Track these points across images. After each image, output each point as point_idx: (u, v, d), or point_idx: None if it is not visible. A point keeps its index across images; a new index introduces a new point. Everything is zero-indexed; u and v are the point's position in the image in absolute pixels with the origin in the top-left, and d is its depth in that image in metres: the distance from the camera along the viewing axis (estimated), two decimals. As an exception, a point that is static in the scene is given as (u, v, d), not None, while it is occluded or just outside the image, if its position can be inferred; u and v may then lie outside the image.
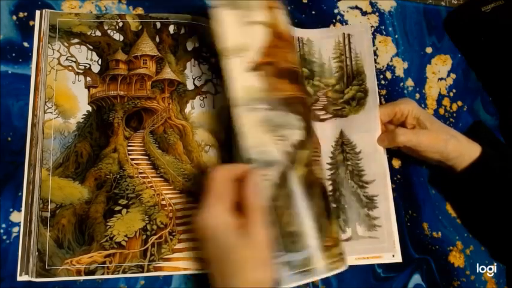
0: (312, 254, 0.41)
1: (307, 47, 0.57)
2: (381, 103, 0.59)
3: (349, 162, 0.54)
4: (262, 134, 0.41)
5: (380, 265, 0.54)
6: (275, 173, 0.41)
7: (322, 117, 0.55)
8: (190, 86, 0.53)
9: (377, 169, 0.54)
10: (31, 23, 0.51)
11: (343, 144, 0.54)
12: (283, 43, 0.44)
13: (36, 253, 0.44)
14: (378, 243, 0.52)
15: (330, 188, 0.53)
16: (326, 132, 0.55)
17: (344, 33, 0.57)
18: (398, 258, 0.53)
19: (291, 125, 0.42)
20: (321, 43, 0.57)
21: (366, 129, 0.54)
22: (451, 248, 0.57)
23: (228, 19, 0.42)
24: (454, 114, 0.62)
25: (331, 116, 0.55)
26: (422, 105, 0.61)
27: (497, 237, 0.55)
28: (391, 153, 0.57)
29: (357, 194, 0.53)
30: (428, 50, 0.64)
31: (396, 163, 0.58)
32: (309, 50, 0.57)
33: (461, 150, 0.51)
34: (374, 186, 0.54)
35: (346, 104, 0.55)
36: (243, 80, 0.42)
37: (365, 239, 0.52)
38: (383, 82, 0.61)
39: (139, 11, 0.55)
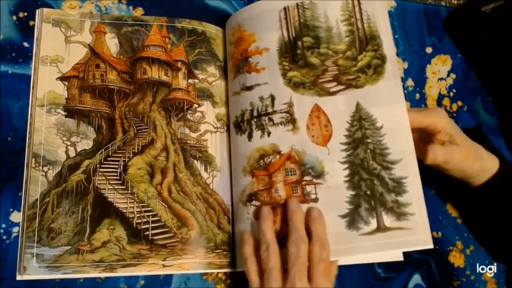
0: (64, 253, 0.45)
1: (310, 11, 0.51)
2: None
3: (369, 140, 0.46)
4: (54, 135, 0.48)
5: (380, 265, 0.54)
6: (52, 171, 0.47)
7: (332, 89, 0.48)
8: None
9: (403, 146, 0.46)
10: (31, 23, 0.51)
11: (361, 119, 0.47)
12: (102, 63, 0.51)
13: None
14: (412, 235, 0.44)
15: (346, 172, 0.46)
16: (338, 107, 0.48)
17: None
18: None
19: (83, 135, 0.48)
20: (326, 4, 0.51)
21: (387, 101, 0.47)
22: (451, 248, 0.57)
23: (54, 33, 0.50)
24: (454, 114, 0.62)
25: (343, 87, 0.48)
26: (422, 105, 0.61)
27: (501, 240, 0.55)
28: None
29: (381, 176, 0.46)
30: (428, 50, 0.64)
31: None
32: (312, 14, 0.50)
33: (484, 168, 0.50)
34: (401, 167, 0.45)
35: (360, 72, 0.48)
36: (50, 86, 0.49)
37: (394, 230, 0.44)
38: (383, 82, 0.61)
39: (140, 11, 0.55)
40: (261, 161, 0.48)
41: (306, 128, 0.48)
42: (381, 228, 0.45)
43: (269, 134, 0.49)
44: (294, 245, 0.42)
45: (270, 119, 0.49)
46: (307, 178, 0.47)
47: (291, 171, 0.47)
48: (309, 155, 0.47)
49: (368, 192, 0.46)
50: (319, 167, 0.47)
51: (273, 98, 0.49)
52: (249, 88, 0.51)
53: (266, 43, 0.51)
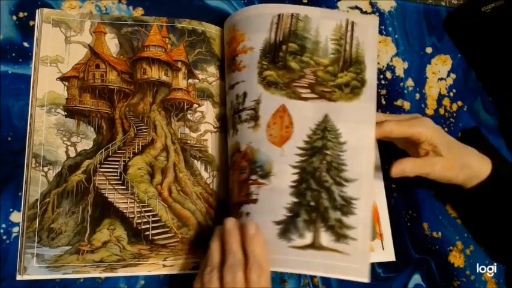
0: (64, 253, 0.45)
1: (303, 23, 0.50)
2: (380, 103, 0.59)
3: (328, 152, 0.45)
4: (54, 135, 0.47)
5: (380, 265, 0.54)
6: (52, 172, 0.47)
7: (304, 95, 0.47)
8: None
9: (362, 168, 0.44)
10: (31, 23, 0.51)
11: (325, 130, 0.46)
12: (102, 64, 0.51)
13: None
14: (347, 262, 0.42)
15: (295, 177, 0.44)
16: (306, 112, 0.46)
17: (348, 20, 0.50)
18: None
19: (83, 135, 0.48)
20: (320, 22, 0.50)
21: (357, 120, 0.46)
22: (451, 248, 0.57)
23: (54, 34, 0.50)
24: (454, 114, 0.62)
25: (316, 96, 0.47)
26: (422, 105, 0.61)
27: (498, 241, 0.55)
28: (389, 151, 0.57)
29: (331, 191, 0.43)
30: (428, 50, 0.64)
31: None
32: (304, 26, 0.50)
33: (472, 175, 0.49)
34: (355, 187, 0.44)
35: (337, 88, 0.47)
36: (49, 86, 0.49)
37: (330, 252, 0.42)
38: (383, 82, 0.61)
39: (140, 11, 0.55)
40: (232, 160, 0.49)
41: (266, 126, 0.46)
42: (314, 245, 0.42)
43: (236, 131, 0.48)
44: (230, 273, 0.38)
45: (239, 117, 0.48)
46: (253, 177, 0.45)
47: (242, 170, 0.46)
48: (262, 153, 0.45)
49: (312, 204, 0.43)
50: (267, 167, 0.45)
51: (245, 95, 0.48)
52: (232, 87, 0.50)
53: (253, 43, 0.50)
